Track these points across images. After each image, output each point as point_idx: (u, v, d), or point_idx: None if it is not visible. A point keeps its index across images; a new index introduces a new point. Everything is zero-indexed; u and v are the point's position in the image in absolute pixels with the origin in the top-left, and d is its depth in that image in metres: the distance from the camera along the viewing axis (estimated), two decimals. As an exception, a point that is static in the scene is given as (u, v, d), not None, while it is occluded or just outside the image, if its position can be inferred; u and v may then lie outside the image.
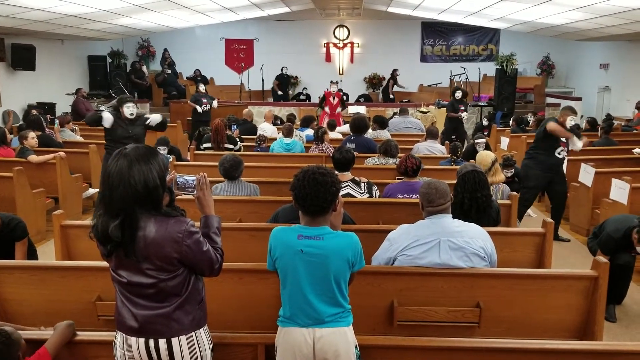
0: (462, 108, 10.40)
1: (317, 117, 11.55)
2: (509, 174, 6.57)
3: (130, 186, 2.08)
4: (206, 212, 2.37)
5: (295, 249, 2.41)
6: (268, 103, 15.55)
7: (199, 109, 11.03)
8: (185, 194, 2.38)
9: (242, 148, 7.76)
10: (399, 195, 4.79)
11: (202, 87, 11.72)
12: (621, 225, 4.35)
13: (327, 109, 11.38)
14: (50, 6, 9.00)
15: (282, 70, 16.98)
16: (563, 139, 6.09)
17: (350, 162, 4.71)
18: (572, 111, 6.22)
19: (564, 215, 6.81)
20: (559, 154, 6.15)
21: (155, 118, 6.43)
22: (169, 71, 15.72)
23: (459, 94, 10.51)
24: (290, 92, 17.88)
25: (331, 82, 12.42)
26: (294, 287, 2.43)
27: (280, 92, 16.92)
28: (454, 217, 3.23)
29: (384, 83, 17.22)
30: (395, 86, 16.64)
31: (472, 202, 3.88)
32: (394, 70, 16.62)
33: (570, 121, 6.06)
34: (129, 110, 6.14)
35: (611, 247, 4.40)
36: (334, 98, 11.32)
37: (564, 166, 6.33)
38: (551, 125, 6.00)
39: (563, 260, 5.62)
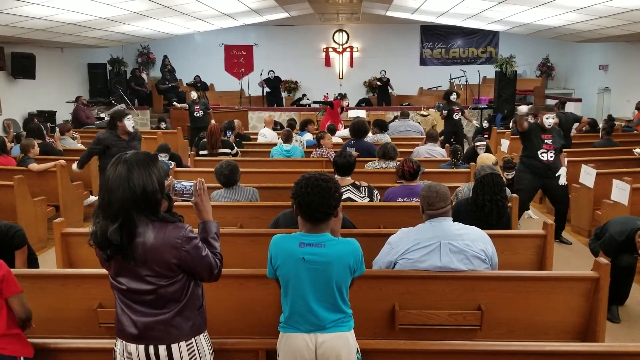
0: (457, 108, 10.38)
1: (317, 121, 11.54)
2: (510, 177, 6.57)
3: (130, 189, 2.10)
4: (204, 217, 2.37)
5: (297, 257, 2.40)
6: (268, 108, 15.57)
7: (177, 105, 11.00)
8: (183, 200, 2.38)
9: (239, 153, 7.75)
10: (400, 199, 4.79)
11: (193, 94, 11.67)
12: (624, 228, 4.31)
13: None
14: (50, 14, 9.04)
15: (268, 74, 16.61)
16: (547, 142, 6.01)
17: (352, 167, 4.73)
18: (548, 109, 6.23)
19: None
20: (542, 155, 6.00)
21: None
22: (176, 83, 15.72)
23: (454, 96, 10.52)
24: (290, 96, 17.87)
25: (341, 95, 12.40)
26: (295, 294, 2.42)
27: (267, 89, 16.44)
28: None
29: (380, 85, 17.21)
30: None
31: (492, 204, 3.87)
32: (381, 73, 16.70)
33: (546, 119, 6.03)
34: (130, 122, 5.92)
35: (614, 250, 4.36)
36: (341, 109, 11.33)
37: (563, 171, 6.13)
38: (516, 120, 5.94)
39: (564, 262, 5.61)
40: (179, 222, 2.24)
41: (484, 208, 3.87)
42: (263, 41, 17.82)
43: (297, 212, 2.47)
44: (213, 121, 9.91)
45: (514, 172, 6.59)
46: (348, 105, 11.64)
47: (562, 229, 6.42)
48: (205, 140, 7.65)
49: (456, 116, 10.33)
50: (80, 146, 9.32)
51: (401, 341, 2.75)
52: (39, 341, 2.67)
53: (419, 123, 11.06)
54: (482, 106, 14.31)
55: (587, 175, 6.48)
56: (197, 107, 11.06)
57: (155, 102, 15.69)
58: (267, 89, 16.38)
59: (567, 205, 6.42)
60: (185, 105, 11.30)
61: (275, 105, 16.20)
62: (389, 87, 16.63)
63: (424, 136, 8.55)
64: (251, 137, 10.08)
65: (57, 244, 3.96)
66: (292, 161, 7.33)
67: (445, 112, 10.32)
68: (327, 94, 14.48)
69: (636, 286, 4.89)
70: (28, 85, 12.15)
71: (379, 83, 16.80)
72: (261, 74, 16.39)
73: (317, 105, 12.66)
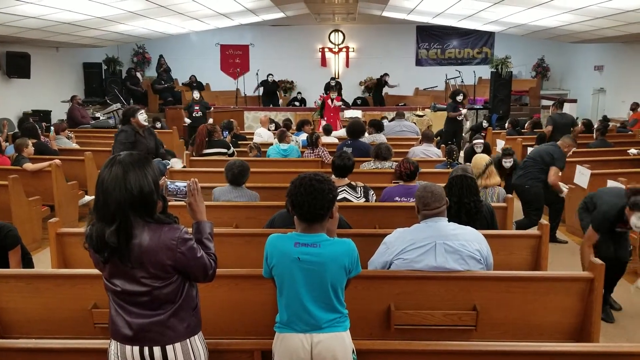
0: (461, 109, 10.50)
1: (313, 121, 11.54)
2: (509, 164, 6.56)
3: (126, 190, 2.08)
4: (198, 218, 2.36)
5: (292, 256, 2.40)
6: (264, 108, 15.55)
7: (187, 120, 11.11)
8: (176, 200, 2.37)
9: (235, 153, 7.74)
10: (397, 199, 4.81)
11: (196, 94, 11.75)
12: (613, 203, 4.29)
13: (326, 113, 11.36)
14: (45, 14, 9.00)
15: (267, 77, 16.60)
16: None
17: (348, 169, 4.74)
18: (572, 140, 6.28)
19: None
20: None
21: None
22: (171, 83, 15.70)
23: (460, 97, 10.59)
24: (286, 95, 17.86)
25: (332, 79, 12.34)
26: (291, 294, 2.42)
27: (258, 92, 16.37)
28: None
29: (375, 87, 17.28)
30: (386, 87, 16.73)
31: (459, 206, 3.84)
32: (383, 76, 16.68)
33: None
34: (143, 116, 6.06)
35: (607, 226, 4.33)
36: (332, 101, 11.28)
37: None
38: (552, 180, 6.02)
39: (559, 263, 5.62)
40: (174, 223, 2.23)
41: (451, 209, 3.82)
42: (259, 41, 17.81)
43: (292, 211, 2.47)
44: (211, 120, 9.97)
45: (512, 159, 6.59)
46: (337, 97, 11.58)
47: (556, 229, 6.47)
48: None
49: (460, 117, 10.41)
50: (75, 146, 9.27)
51: (397, 341, 2.75)
52: (33, 341, 2.66)
53: (415, 123, 11.07)
54: (478, 107, 14.33)
55: (582, 176, 6.49)
56: (197, 108, 11.11)
57: (150, 101, 15.66)
58: (259, 92, 16.31)
59: (563, 203, 6.49)
60: (185, 118, 11.36)
61: (270, 106, 16.19)
62: (387, 85, 16.71)
63: (419, 136, 8.55)
64: (247, 137, 10.07)
65: (52, 244, 3.94)
66: (288, 161, 7.33)
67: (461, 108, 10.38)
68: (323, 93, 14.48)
69: (630, 286, 4.90)
70: (23, 84, 12.11)
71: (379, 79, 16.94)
72: (257, 74, 16.27)
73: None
